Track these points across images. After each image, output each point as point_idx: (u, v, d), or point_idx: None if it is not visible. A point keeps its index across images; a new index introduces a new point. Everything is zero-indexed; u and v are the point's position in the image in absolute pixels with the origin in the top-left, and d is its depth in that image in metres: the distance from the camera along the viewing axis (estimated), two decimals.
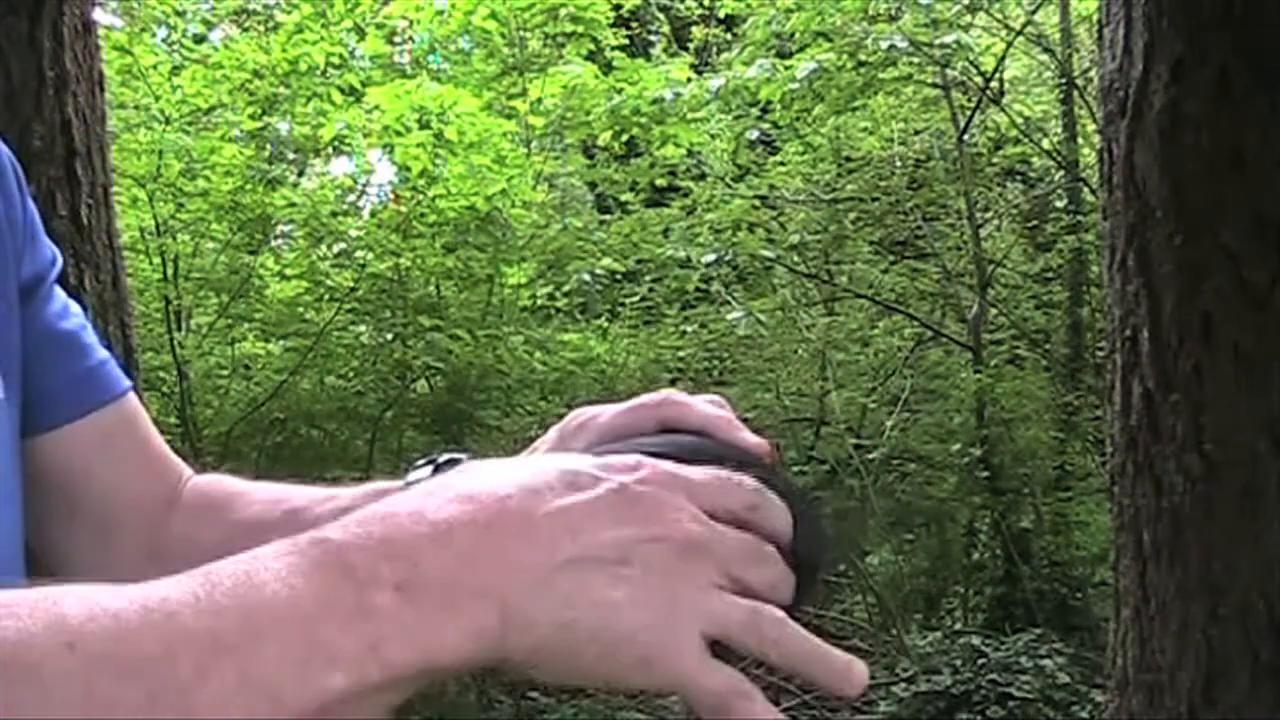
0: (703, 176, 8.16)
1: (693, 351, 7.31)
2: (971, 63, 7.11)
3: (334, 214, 6.56)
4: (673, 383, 6.84)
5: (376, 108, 6.40)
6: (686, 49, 9.49)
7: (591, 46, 7.37)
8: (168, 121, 6.42)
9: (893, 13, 6.95)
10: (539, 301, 7.32)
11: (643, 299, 7.48)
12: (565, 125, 7.21)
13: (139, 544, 0.84)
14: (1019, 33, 7.21)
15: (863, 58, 6.55)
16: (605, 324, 7.67)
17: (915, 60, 6.74)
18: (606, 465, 0.56)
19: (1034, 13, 7.50)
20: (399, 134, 6.23)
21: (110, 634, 0.44)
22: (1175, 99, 2.80)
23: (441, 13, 7.16)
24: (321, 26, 6.63)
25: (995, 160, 7.99)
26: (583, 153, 8.72)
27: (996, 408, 6.98)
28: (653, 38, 9.98)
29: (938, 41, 6.54)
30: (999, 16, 7.33)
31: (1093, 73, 6.50)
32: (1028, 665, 5.56)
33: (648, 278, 7.34)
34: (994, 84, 7.22)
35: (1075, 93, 7.38)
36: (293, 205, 6.30)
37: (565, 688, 5.84)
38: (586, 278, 6.60)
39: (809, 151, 8.00)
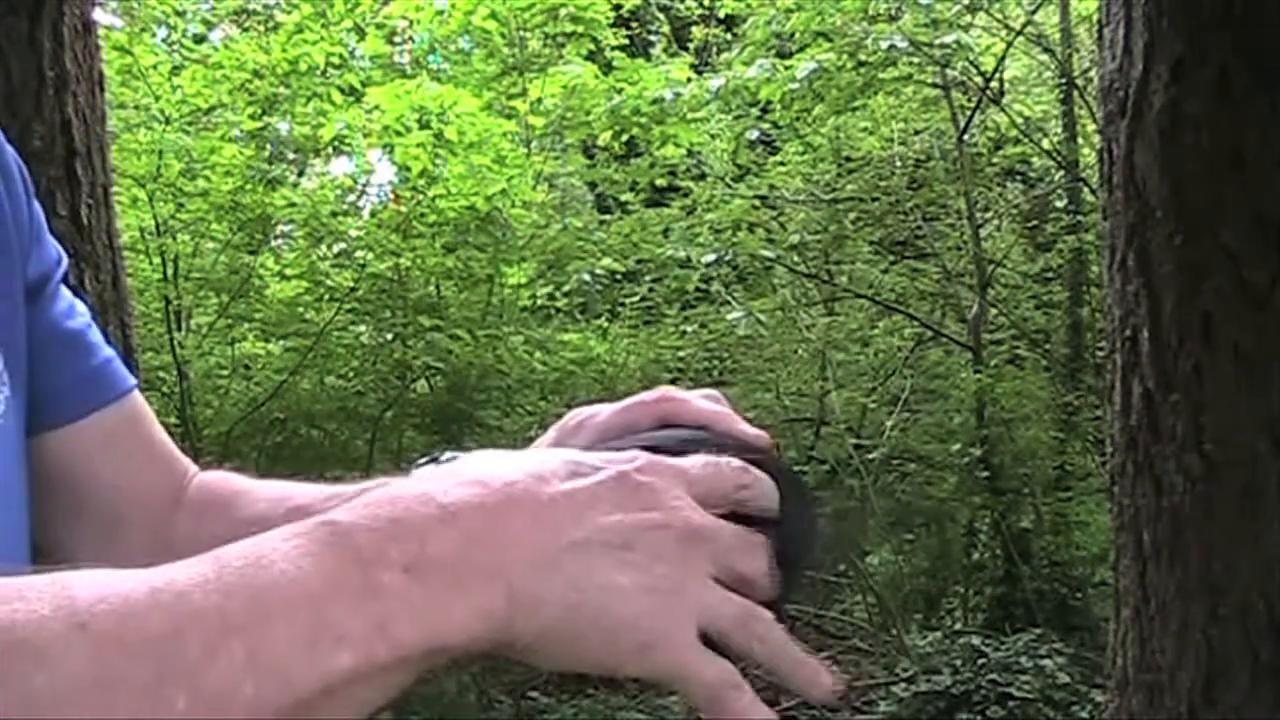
0: (703, 176, 8.15)
1: (693, 351, 7.32)
2: (971, 63, 7.11)
3: (334, 214, 6.56)
4: (673, 382, 6.83)
5: (376, 108, 6.40)
6: (686, 49, 9.49)
7: (591, 46, 7.37)
8: (168, 121, 6.42)
9: (893, 13, 6.95)
10: (539, 301, 7.32)
11: (643, 299, 7.48)
12: (565, 125, 7.21)
13: (144, 541, 0.85)
14: (1019, 33, 7.21)
15: (863, 58, 6.55)
16: (605, 324, 7.67)
17: (915, 60, 6.74)
18: (607, 457, 0.57)
19: (1034, 13, 7.50)
20: (399, 134, 6.23)
21: (120, 614, 0.45)
22: (1175, 99, 2.80)
23: (441, 13, 7.16)
24: (321, 26, 6.63)
25: (995, 160, 7.99)
26: (583, 153, 8.72)
27: (996, 408, 6.97)
28: (653, 38, 9.98)
29: (938, 41, 6.54)
30: (999, 16, 7.33)
31: (1093, 73, 6.50)
32: (1028, 665, 5.56)
33: (648, 278, 7.34)
34: (994, 84, 7.22)
35: (1075, 93, 7.38)
36: (293, 205, 6.30)
37: (565, 688, 5.84)
38: (586, 278, 6.60)
39: (809, 151, 8.00)
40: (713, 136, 8.21)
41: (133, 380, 0.87)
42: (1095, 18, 5.58)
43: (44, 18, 2.57)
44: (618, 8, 7.51)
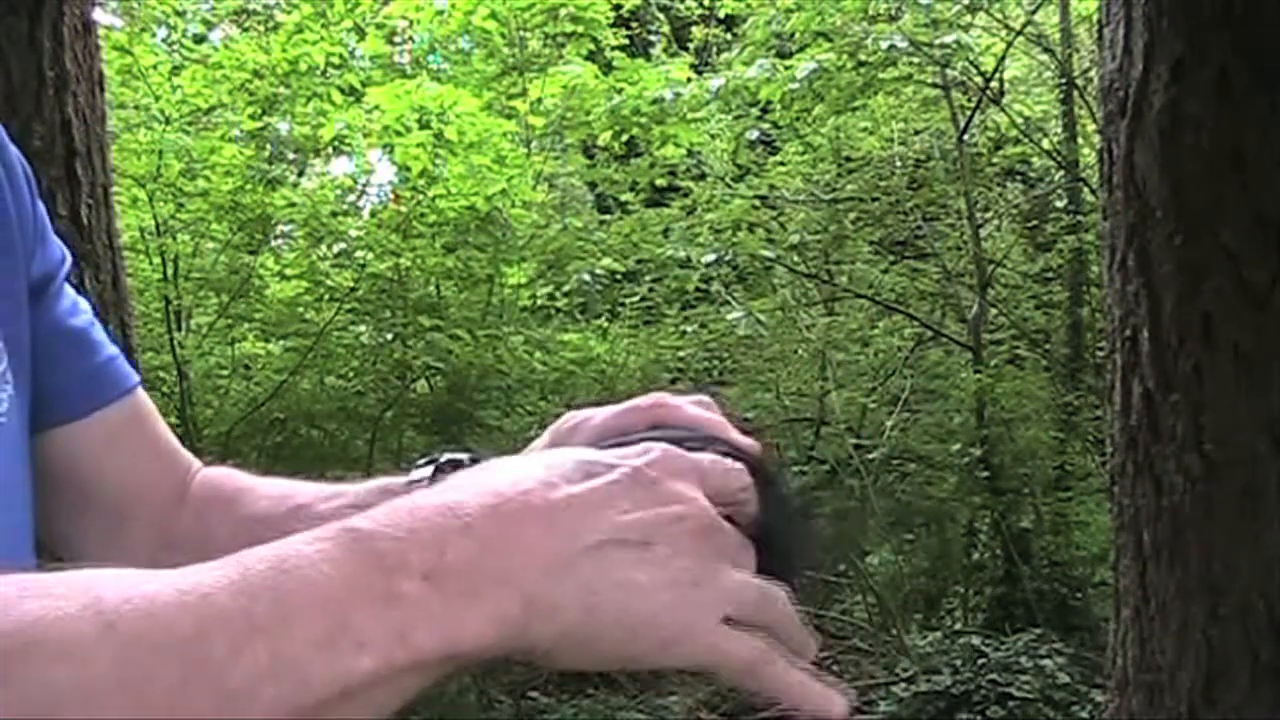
0: (703, 176, 8.15)
1: (693, 351, 7.31)
2: (971, 63, 7.11)
3: (334, 214, 6.56)
4: (673, 383, 6.84)
5: (376, 108, 6.40)
6: (686, 49, 9.49)
7: (591, 46, 7.37)
8: (168, 121, 6.42)
9: (893, 13, 6.95)
10: (539, 301, 7.32)
11: (643, 299, 7.48)
12: (565, 125, 7.21)
13: (149, 537, 0.86)
14: (1019, 33, 7.21)
15: (863, 58, 6.55)
16: (605, 324, 7.67)
17: (915, 60, 6.74)
18: (620, 453, 0.57)
19: (1034, 13, 7.50)
20: (399, 134, 6.23)
21: (146, 614, 0.46)
22: (1175, 99, 2.80)
23: (441, 13, 7.16)
24: (321, 26, 6.63)
25: (995, 160, 7.99)
26: (583, 153, 8.72)
27: (996, 408, 6.97)
28: (653, 38, 9.98)
29: (938, 41, 6.54)
30: (999, 16, 7.33)
31: (1093, 73, 6.50)
32: (1028, 665, 5.55)
33: (648, 278, 7.34)
34: (994, 84, 7.22)
35: (1075, 93, 7.38)
36: (293, 205, 6.30)
37: (565, 688, 5.84)
38: (586, 278, 6.60)
39: (809, 151, 8.00)
40: (713, 136, 8.20)
41: (136, 378, 0.87)
42: (1095, 18, 5.58)
43: (44, 18, 2.57)
44: (618, 8, 7.51)
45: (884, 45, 6.44)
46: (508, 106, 7.17)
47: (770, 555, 0.60)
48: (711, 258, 6.76)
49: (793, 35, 7.00)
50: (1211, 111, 2.77)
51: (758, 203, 7.45)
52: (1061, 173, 7.76)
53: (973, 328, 7.14)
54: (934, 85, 7.30)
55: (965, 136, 7.31)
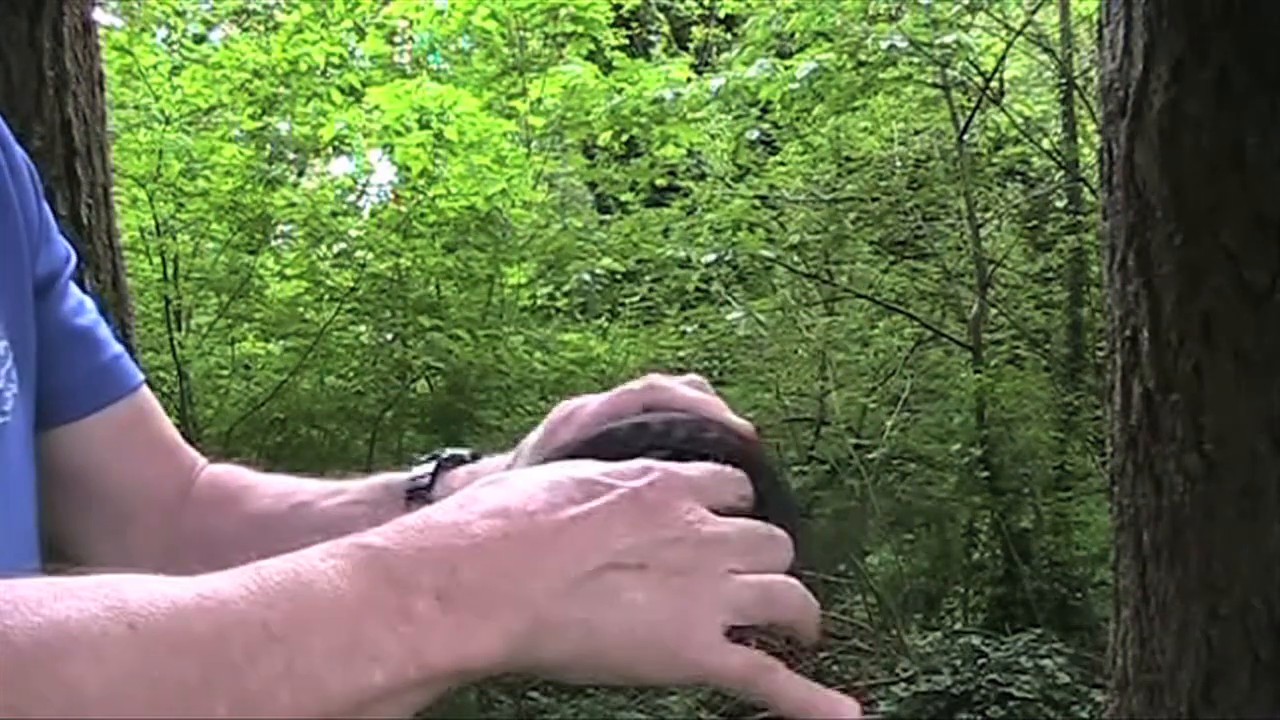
0: (703, 176, 8.15)
1: (693, 351, 7.31)
2: (971, 63, 7.11)
3: (334, 214, 6.56)
4: None
5: (376, 108, 6.40)
6: (686, 49, 9.48)
7: (591, 46, 7.36)
8: (168, 121, 6.42)
9: (893, 13, 6.95)
10: (539, 301, 7.32)
11: (643, 299, 7.48)
12: (565, 125, 7.21)
13: (154, 534, 0.86)
14: (1019, 33, 7.20)
15: (863, 58, 6.55)
16: (605, 324, 7.67)
17: (915, 60, 6.74)
18: (619, 472, 0.58)
19: (1034, 13, 7.50)
20: (399, 134, 6.23)
21: (168, 617, 0.47)
22: (1175, 99, 2.80)
23: (441, 13, 7.15)
24: (321, 26, 6.63)
25: (995, 160, 7.99)
26: (583, 153, 8.71)
27: (996, 408, 6.97)
28: (653, 38, 9.98)
29: (938, 41, 6.54)
30: (999, 16, 7.33)
31: (1093, 73, 6.50)
32: (1028, 665, 5.55)
33: (648, 278, 7.34)
34: (994, 84, 7.21)
35: (1075, 93, 7.38)
36: (293, 205, 6.30)
37: (565, 688, 5.84)
38: (586, 278, 6.60)
39: (809, 151, 7.99)
40: (713, 136, 8.20)
41: (140, 376, 0.88)
42: (1095, 18, 5.58)
43: (44, 18, 2.57)
44: (618, 8, 7.51)
45: (884, 45, 6.43)
46: (508, 106, 7.17)
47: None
48: (711, 258, 6.76)
49: (793, 35, 6.99)
50: (1211, 111, 2.77)
51: (758, 203, 7.44)
52: (1061, 173, 7.76)
53: (973, 328, 7.14)
54: (934, 85, 7.30)
55: (965, 136, 7.31)
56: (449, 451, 0.79)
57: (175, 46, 7.37)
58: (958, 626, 6.76)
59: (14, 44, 2.52)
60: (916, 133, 8.07)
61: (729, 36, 9.32)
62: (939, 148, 7.83)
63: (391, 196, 7.25)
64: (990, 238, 8.06)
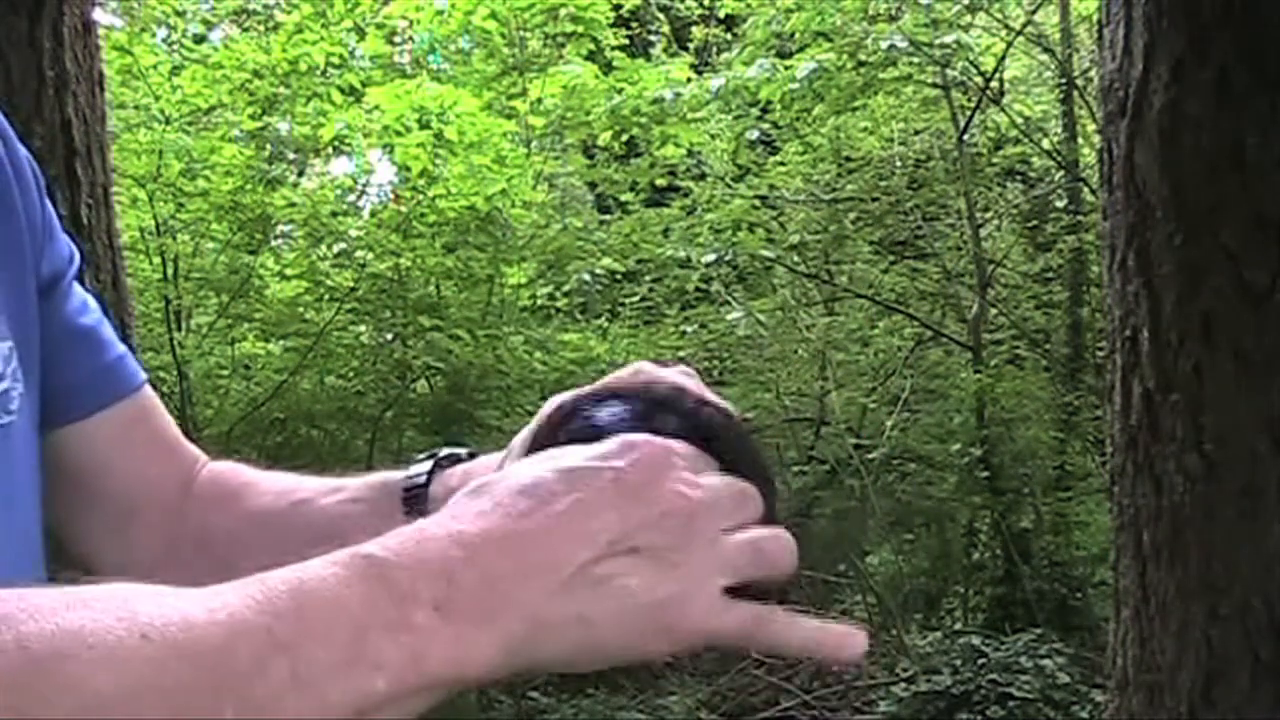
0: (703, 176, 8.15)
1: (693, 351, 7.30)
2: (971, 63, 7.11)
3: (334, 214, 6.56)
4: None
5: (376, 108, 6.40)
6: (686, 49, 9.48)
7: (591, 46, 7.36)
8: (168, 121, 6.42)
9: (893, 13, 6.95)
10: (539, 301, 7.32)
11: (643, 299, 7.48)
12: (565, 125, 7.21)
13: (156, 530, 0.87)
14: (1019, 33, 7.20)
15: (863, 58, 6.55)
16: (605, 324, 7.67)
17: (915, 60, 6.74)
18: (600, 455, 0.59)
19: (1034, 13, 7.49)
20: (399, 134, 6.22)
21: (178, 626, 0.48)
22: (1175, 99, 2.80)
23: (441, 13, 7.15)
24: (321, 26, 6.63)
25: (995, 160, 7.99)
26: (583, 153, 8.71)
27: (996, 408, 6.97)
28: (653, 38, 9.97)
29: (938, 41, 6.54)
30: (999, 16, 7.33)
31: (1093, 73, 6.50)
32: (1028, 665, 5.55)
33: (648, 278, 7.34)
34: (994, 84, 7.21)
35: (1075, 93, 7.38)
36: (293, 205, 6.30)
37: (565, 687, 5.84)
38: (586, 278, 6.60)
39: (809, 151, 7.99)
40: (713, 136, 8.20)
41: (143, 375, 0.89)
42: (1095, 18, 5.58)
43: (44, 18, 2.57)
44: (618, 8, 7.51)
45: (884, 45, 6.43)
46: (508, 106, 7.17)
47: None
48: (711, 258, 6.76)
49: (793, 35, 7.00)
50: (1211, 111, 2.77)
51: (758, 203, 7.44)
52: (1061, 173, 7.76)
53: (973, 328, 7.14)
54: (934, 85, 7.30)
55: (965, 136, 7.31)
56: (445, 451, 0.79)
57: (175, 46, 7.37)
58: (958, 626, 6.76)
59: (14, 44, 2.52)
60: (916, 133, 8.07)
61: (729, 36, 9.31)
62: (939, 148, 7.83)
63: (391, 196, 7.25)
64: (990, 238, 8.06)
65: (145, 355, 5.47)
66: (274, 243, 6.81)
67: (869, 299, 7.73)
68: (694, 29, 9.91)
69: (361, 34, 7.24)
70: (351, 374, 6.45)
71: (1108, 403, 3.09)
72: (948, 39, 6.52)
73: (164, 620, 0.48)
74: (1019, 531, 6.97)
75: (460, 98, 6.26)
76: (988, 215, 8.04)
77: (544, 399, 0.69)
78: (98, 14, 3.07)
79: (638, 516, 0.57)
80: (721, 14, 9.00)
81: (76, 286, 0.85)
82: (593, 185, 8.68)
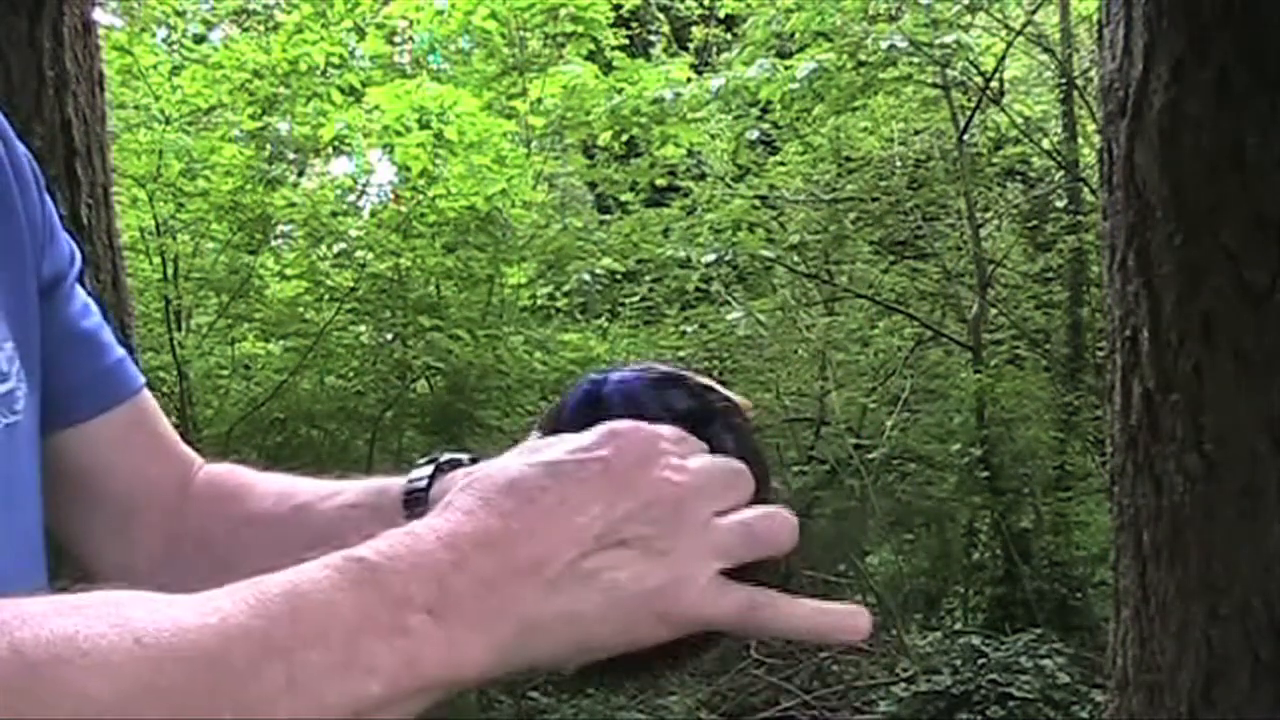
0: (703, 176, 8.15)
1: (693, 351, 7.30)
2: (971, 63, 7.10)
3: (334, 214, 6.56)
4: None
5: (376, 108, 6.39)
6: (686, 49, 9.48)
7: (591, 46, 7.36)
8: (168, 121, 6.42)
9: (893, 13, 6.95)
10: (539, 301, 7.31)
11: (643, 299, 7.47)
12: (565, 125, 7.21)
13: (155, 530, 0.87)
14: (1019, 33, 7.20)
15: (863, 58, 6.55)
16: (605, 324, 7.67)
17: (915, 60, 6.74)
18: (585, 445, 0.59)
19: (1034, 13, 7.49)
20: (399, 134, 6.22)
21: (172, 631, 0.48)
22: (1175, 99, 2.80)
23: (441, 13, 7.15)
24: (321, 26, 6.63)
25: (995, 160, 7.99)
26: (583, 153, 8.71)
27: (996, 408, 6.97)
28: (653, 38, 9.98)
29: (938, 41, 6.54)
30: (999, 16, 7.33)
31: (1093, 73, 6.50)
32: (1028, 665, 5.55)
33: (648, 278, 7.34)
34: (994, 84, 7.21)
35: (1075, 93, 7.38)
36: (293, 205, 6.30)
37: (565, 687, 5.84)
38: (586, 278, 6.60)
39: (809, 151, 7.99)
40: (713, 136, 8.20)
41: (142, 379, 0.89)
42: (1095, 18, 5.58)
43: (44, 18, 2.57)
44: (618, 8, 7.51)
45: (884, 45, 6.43)
46: (508, 106, 7.17)
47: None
48: (711, 258, 6.76)
49: (793, 35, 6.99)
50: (1211, 111, 2.77)
51: (758, 203, 7.44)
52: (1061, 173, 7.76)
53: (973, 328, 7.14)
54: (934, 85, 7.30)
55: (965, 136, 7.31)
56: (446, 455, 0.79)
57: (175, 46, 7.37)
58: (958, 626, 6.76)
59: (14, 44, 2.52)
60: (916, 133, 8.07)
61: (729, 36, 9.32)
62: (939, 148, 7.83)
63: (391, 196, 7.25)
64: (990, 238, 8.06)
65: (145, 355, 5.47)
66: (274, 243, 6.81)
67: (869, 299, 7.73)
68: (694, 29, 9.91)
69: (361, 34, 7.24)
70: (351, 374, 6.44)
71: (1108, 403, 3.09)
72: (948, 39, 6.52)
73: (157, 625, 0.48)
74: (1019, 531, 6.97)
75: (460, 98, 6.26)
76: (988, 215, 8.04)
77: (544, 399, 0.69)
78: (98, 14, 3.07)
79: (624, 508, 0.57)
80: (721, 14, 9.00)
81: (78, 288, 0.85)
82: (593, 185, 8.68)
